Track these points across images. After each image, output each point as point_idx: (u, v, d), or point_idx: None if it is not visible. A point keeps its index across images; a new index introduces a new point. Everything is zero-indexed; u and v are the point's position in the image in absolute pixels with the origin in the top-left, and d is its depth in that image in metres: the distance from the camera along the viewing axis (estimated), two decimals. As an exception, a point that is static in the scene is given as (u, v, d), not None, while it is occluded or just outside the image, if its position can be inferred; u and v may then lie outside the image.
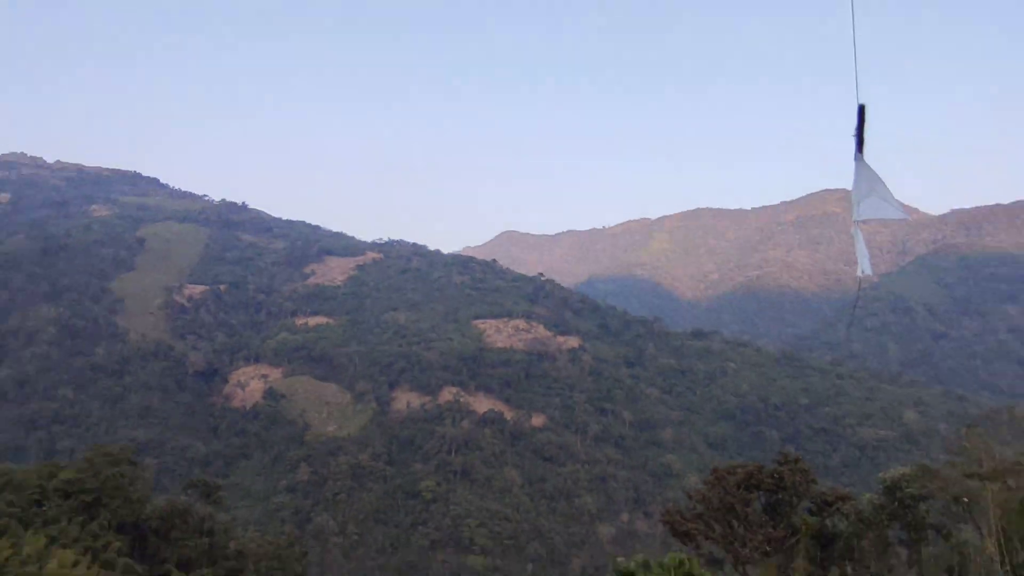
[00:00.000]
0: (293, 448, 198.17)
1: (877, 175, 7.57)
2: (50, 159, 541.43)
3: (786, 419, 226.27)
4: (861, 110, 7.45)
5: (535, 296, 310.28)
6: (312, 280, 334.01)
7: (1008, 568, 16.52)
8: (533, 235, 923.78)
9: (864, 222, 7.72)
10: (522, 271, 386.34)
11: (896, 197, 7.64)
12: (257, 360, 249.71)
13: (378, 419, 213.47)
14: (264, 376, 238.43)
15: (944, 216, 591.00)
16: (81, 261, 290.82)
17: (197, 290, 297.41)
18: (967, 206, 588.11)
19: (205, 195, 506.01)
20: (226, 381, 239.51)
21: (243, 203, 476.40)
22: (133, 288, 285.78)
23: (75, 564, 49.55)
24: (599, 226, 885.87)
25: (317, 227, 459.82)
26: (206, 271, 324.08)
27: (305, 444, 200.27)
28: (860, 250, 8.08)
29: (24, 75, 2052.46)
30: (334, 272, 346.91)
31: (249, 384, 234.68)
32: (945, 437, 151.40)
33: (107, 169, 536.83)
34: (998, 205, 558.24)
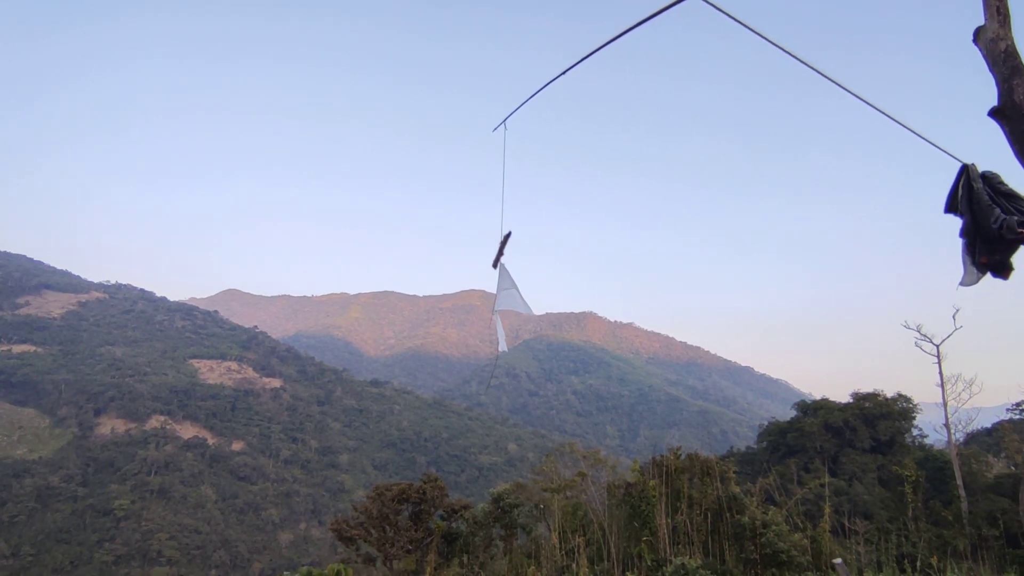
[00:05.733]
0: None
1: (513, 279, 7.35)
2: None
3: (432, 448, 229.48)
4: (506, 236, 7.15)
5: (248, 344, 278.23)
6: (24, 311, 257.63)
7: (563, 552, 18.66)
8: (253, 294, 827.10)
9: (503, 312, 7.38)
10: (241, 323, 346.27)
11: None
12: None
13: (77, 443, 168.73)
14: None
15: (541, 316, 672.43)
16: None
17: None
18: (556, 311, 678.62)
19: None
20: None
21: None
22: None
23: None
24: (309, 294, 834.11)
25: (40, 263, 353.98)
26: None
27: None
28: (500, 333, 7.81)
29: None
30: (51, 306, 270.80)
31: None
32: (532, 462, 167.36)
33: None
34: (572, 313, 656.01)
